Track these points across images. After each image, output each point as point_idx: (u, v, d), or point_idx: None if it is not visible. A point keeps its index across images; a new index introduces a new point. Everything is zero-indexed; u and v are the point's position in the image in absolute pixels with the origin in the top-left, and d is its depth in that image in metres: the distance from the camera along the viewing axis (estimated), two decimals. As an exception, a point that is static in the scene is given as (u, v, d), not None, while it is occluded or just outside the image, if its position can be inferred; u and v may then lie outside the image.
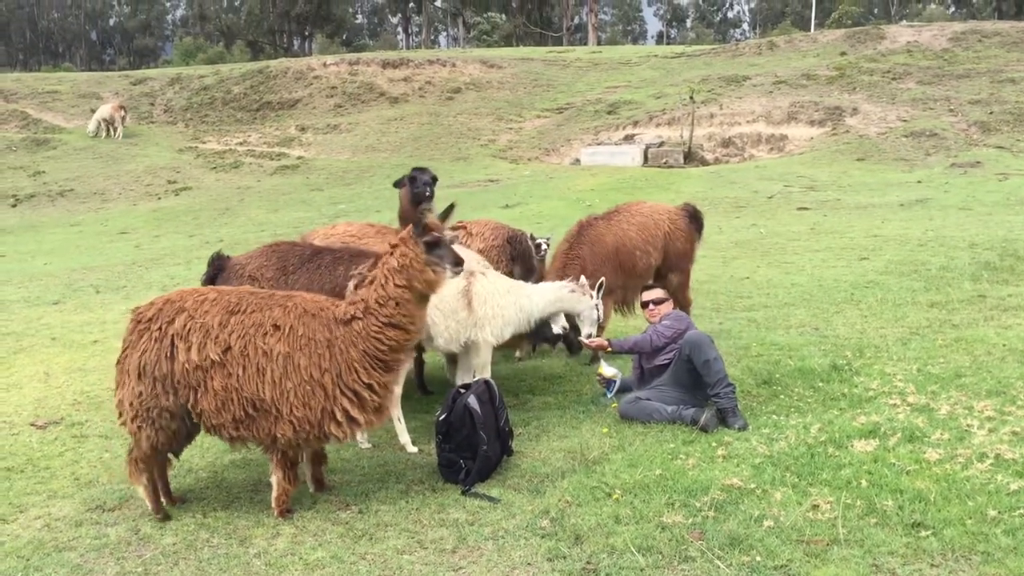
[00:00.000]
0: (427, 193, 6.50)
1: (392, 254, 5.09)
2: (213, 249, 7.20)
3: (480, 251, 7.88)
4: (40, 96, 37.39)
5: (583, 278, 7.00)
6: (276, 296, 5.19)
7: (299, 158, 30.01)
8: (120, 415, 5.20)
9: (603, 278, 7.21)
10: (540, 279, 7.90)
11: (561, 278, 7.62)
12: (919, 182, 19.86)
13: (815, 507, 4.84)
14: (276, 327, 4.96)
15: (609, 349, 6.96)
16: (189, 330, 4.99)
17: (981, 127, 24.32)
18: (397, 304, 5.00)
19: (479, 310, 6.21)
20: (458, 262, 5.13)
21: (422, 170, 6.61)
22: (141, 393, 5.03)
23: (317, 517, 5.17)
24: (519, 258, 8.29)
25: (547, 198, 20.57)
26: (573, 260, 7.87)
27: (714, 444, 5.87)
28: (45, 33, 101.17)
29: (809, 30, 49.65)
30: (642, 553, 4.47)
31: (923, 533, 4.46)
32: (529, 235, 8.62)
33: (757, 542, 4.49)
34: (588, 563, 4.44)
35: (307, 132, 32.71)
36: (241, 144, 32.21)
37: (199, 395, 4.97)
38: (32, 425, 7.11)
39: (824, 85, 28.94)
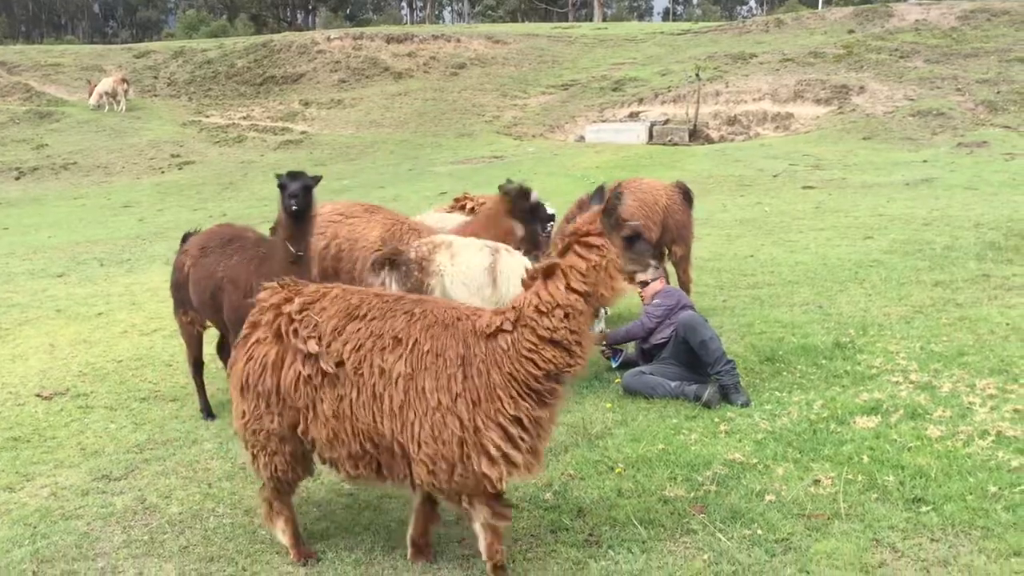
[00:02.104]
0: (293, 206, 5.48)
1: (574, 248, 3.83)
2: (217, 223, 7.18)
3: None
4: (43, 69, 37.30)
5: None
6: (404, 300, 4.13)
7: (303, 133, 29.94)
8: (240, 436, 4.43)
9: None
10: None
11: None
12: (925, 161, 19.77)
13: (816, 482, 4.87)
14: (397, 340, 3.92)
15: (606, 343, 7.01)
16: (303, 333, 4.10)
17: (988, 107, 24.18)
18: (566, 316, 3.75)
19: (503, 287, 6.16)
20: (656, 260, 4.14)
21: (294, 176, 5.59)
22: (245, 413, 4.22)
23: (322, 488, 5.21)
24: (525, 234, 8.27)
25: (551, 175, 20.51)
26: None
27: (717, 420, 5.91)
28: (48, 5, 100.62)
29: (817, 7, 49.24)
30: (644, 526, 4.50)
31: (923, 508, 4.49)
32: None
33: (758, 516, 4.52)
34: (591, 535, 4.48)
35: (311, 107, 32.62)
36: (244, 118, 32.13)
37: (310, 420, 4.05)
38: (38, 396, 7.15)
39: (831, 63, 28.77)
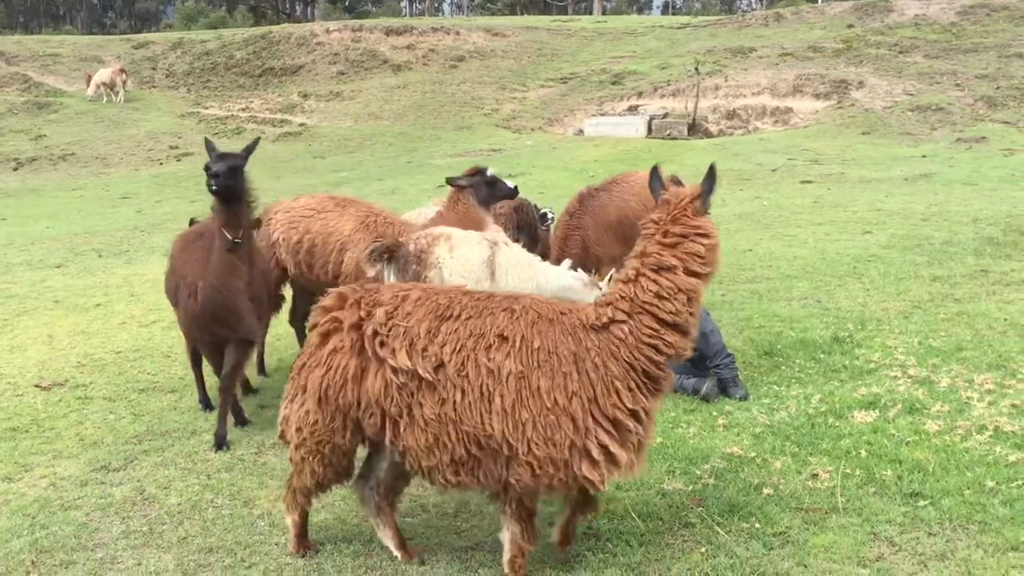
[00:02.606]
0: (212, 186, 5.15)
1: (698, 234, 3.82)
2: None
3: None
4: (41, 59, 37.21)
5: (611, 272, 6.79)
6: (497, 298, 4.01)
7: (301, 125, 29.90)
8: (282, 433, 4.26)
9: (613, 271, 7.09)
10: (545, 250, 7.90)
11: (563, 249, 7.60)
12: (924, 157, 19.78)
13: (814, 476, 4.89)
14: (503, 338, 3.79)
15: None
16: (389, 334, 3.90)
17: (987, 102, 24.19)
18: (688, 300, 3.77)
19: (501, 280, 6.15)
20: None
21: (220, 156, 5.24)
22: (317, 423, 4.01)
23: (320, 480, 5.21)
24: (524, 227, 8.28)
25: (550, 168, 20.51)
26: (574, 231, 7.87)
27: (715, 413, 5.92)
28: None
29: (816, 1, 49.20)
30: (642, 519, 4.51)
31: (921, 503, 4.50)
32: (534, 206, 8.62)
33: (756, 509, 4.53)
34: (589, 528, 4.49)
35: (310, 99, 32.58)
36: (243, 110, 32.09)
37: (402, 427, 3.88)
38: (36, 386, 7.15)
39: (830, 58, 28.75)
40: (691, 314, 3.78)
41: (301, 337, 7.68)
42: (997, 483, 4.62)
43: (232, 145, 27.48)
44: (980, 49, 28.11)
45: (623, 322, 3.77)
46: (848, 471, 4.88)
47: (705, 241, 3.79)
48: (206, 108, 32.52)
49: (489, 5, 68.79)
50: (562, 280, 6.33)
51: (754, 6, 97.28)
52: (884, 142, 22.13)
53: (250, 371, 7.36)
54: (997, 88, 24.88)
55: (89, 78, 32.94)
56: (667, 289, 3.74)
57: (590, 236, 7.77)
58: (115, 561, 4.38)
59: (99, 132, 29.11)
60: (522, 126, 28.09)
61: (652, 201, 8.72)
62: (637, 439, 3.81)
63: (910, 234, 11.63)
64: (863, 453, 5.08)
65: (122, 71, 33.22)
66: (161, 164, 25.94)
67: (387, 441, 3.91)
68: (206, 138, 5.75)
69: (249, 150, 5.45)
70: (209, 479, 5.30)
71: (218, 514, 4.83)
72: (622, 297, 3.81)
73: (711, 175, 3.88)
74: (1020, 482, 4.61)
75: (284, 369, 7.56)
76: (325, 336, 4.02)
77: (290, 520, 4.39)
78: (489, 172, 7.01)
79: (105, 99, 32.38)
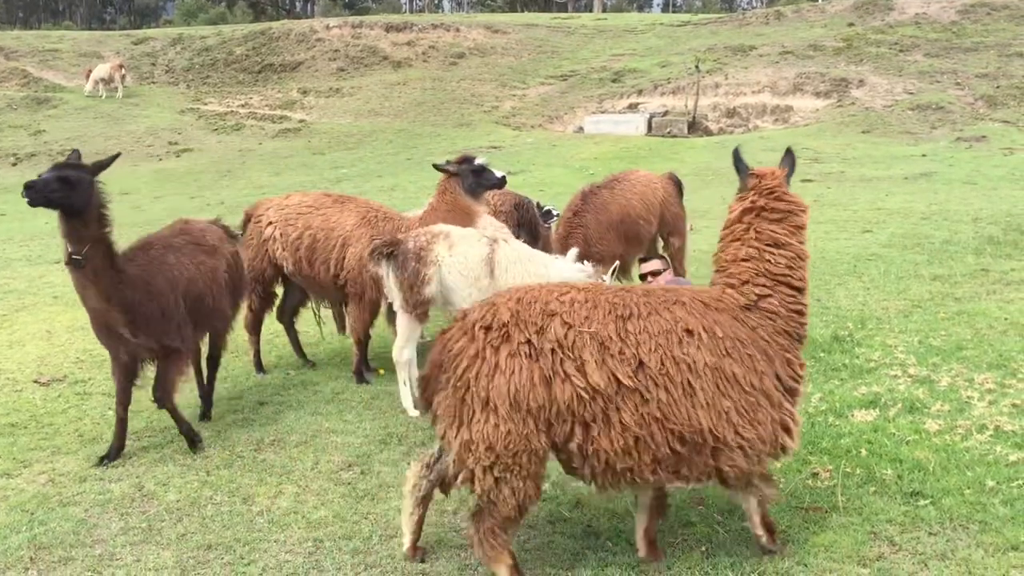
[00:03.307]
0: (25, 198, 4.92)
1: (799, 208, 4.20)
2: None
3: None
4: (41, 54, 37.14)
5: (572, 256, 6.77)
6: (659, 292, 4.05)
7: (301, 121, 29.86)
8: (460, 462, 3.82)
9: (617, 263, 7.08)
10: (547, 247, 7.89)
11: (565, 246, 7.58)
12: (924, 156, 19.77)
13: (815, 475, 4.88)
14: (688, 332, 3.84)
15: None
16: (575, 343, 3.76)
17: (988, 101, 24.17)
18: (804, 264, 4.13)
19: (500, 278, 6.14)
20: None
21: (58, 165, 5.07)
22: (510, 432, 3.73)
23: (320, 477, 5.21)
24: (525, 224, 8.28)
25: (550, 166, 20.50)
26: (576, 228, 7.87)
27: (715, 412, 5.90)
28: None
29: (816, 0, 49.17)
30: (642, 517, 4.50)
31: (922, 502, 4.50)
32: (537, 203, 8.62)
33: (757, 508, 4.52)
34: (589, 526, 4.49)
35: (309, 95, 32.53)
36: (243, 106, 32.04)
37: (595, 432, 3.76)
38: (35, 382, 7.14)
39: (831, 56, 28.73)
40: (805, 279, 4.12)
41: (291, 332, 7.67)
42: (997, 482, 4.62)
43: (232, 141, 27.46)
44: (980, 48, 28.09)
45: (769, 296, 4.02)
46: (848, 470, 4.87)
47: (804, 214, 4.19)
48: (205, 104, 32.47)
49: (489, 2, 68.70)
50: (563, 272, 6.33)
51: (755, 4, 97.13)
52: (884, 141, 22.11)
53: (248, 372, 7.37)
54: (997, 87, 24.87)
55: (88, 73, 32.87)
56: (791, 259, 4.05)
57: (592, 234, 7.78)
58: (114, 558, 4.37)
59: (98, 128, 29.06)
60: (522, 123, 28.06)
61: (654, 200, 8.74)
62: (799, 395, 4.13)
63: (910, 233, 11.63)
64: (863, 452, 5.08)
65: (121, 67, 33.14)
66: (160, 160, 25.91)
67: (574, 446, 3.77)
68: (75, 150, 5.54)
69: (100, 165, 5.14)
70: (208, 475, 5.29)
71: (217, 511, 4.82)
72: (756, 274, 4.04)
73: (791, 157, 4.38)
74: (1020, 482, 4.61)
75: (283, 366, 7.55)
76: (496, 348, 3.76)
77: (504, 569, 3.88)
78: (477, 161, 7.01)
79: (105, 95, 32.30)
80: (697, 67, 27.29)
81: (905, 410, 5.67)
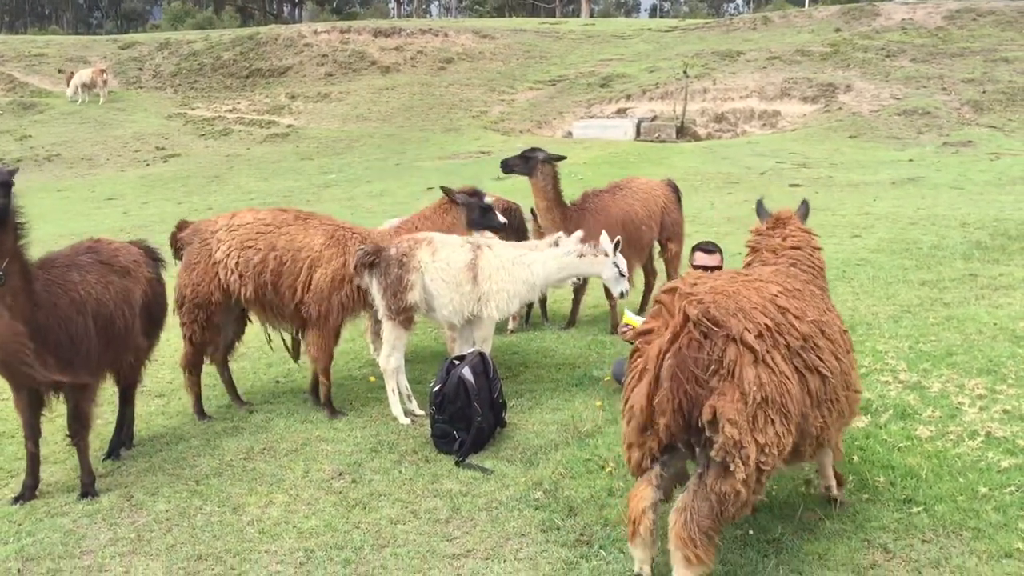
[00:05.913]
0: None
1: (811, 243, 4.74)
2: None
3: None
4: (27, 59, 36.93)
5: (604, 239, 6.57)
6: (776, 274, 4.27)
7: (289, 126, 29.79)
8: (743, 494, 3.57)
9: (619, 237, 6.85)
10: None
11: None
12: (911, 160, 19.87)
13: (807, 482, 4.87)
14: (827, 310, 4.21)
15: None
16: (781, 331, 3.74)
17: (974, 106, 24.32)
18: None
19: (483, 285, 6.13)
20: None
21: None
22: (789, 440, 3.66)
23: (311, 486, 5.17)
24: (513, 230, 8.26)
25: (539, 171, 20.43)
26: (575, 226, 7.85)
27: (707, 418, 5.88)
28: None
29: (804, 5, 49.37)
30: (636, 525, 4.48)
31: (914, 509, 4.50)
32: (532, 209, 8.59)
33: (749, 517, 4.48)
34: (582, 535, 4.47)
35: (297, 100, 32.46)
36: (231, 111, 31.93)
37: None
38: (22, 391, 7.04)
39: (818, 62, 28.86)
40: None
41: (223, 372, 6.81)
42: (990, 489, 4.62)
43: (219, 146, 27.35)
44: (967, 53, 28.27)
45: (800, 248, 4.62)
46: (841, 477, 4.86)
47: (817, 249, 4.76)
48: (193, 109, 32.36)
49: (477, 7, 68.74)
50: (550, 263, 6.36)
51: (742, 10, 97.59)
52: (871, 146, 22.22)
53: (236, 380, 7.32)
54: (983, 92, 25.02)
55: (70, 77, 32.60)
56: (801, 240, 4.70)
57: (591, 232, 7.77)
58: (102, 569, 4.33)
59: (85, 133, 28.92)
60: (511, 128, 28.06)
61: (655, 205, 8.70)
62: None
63: (898, 238, 11.66)
64: (855, 459, 5.07)
65: (103, 71, 32.93)
66: (147, 165, 25.80)
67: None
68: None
69: (11, 171, 4.61)
70: (197, 485, 5.24)
71: (207, 521, 4.78)
72: (784, 233, 4.71)
73: (805, 207, 5.03)
74: (1012, 488, 4.61)
75: (273, 375, 7.50)
76: (737, 358, 3.56)
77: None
78: (486, 199, 7.04)
79: (87, 99, 32.07)
80: (685, 72, 27.36)
81: (896, 416, 5.67)
